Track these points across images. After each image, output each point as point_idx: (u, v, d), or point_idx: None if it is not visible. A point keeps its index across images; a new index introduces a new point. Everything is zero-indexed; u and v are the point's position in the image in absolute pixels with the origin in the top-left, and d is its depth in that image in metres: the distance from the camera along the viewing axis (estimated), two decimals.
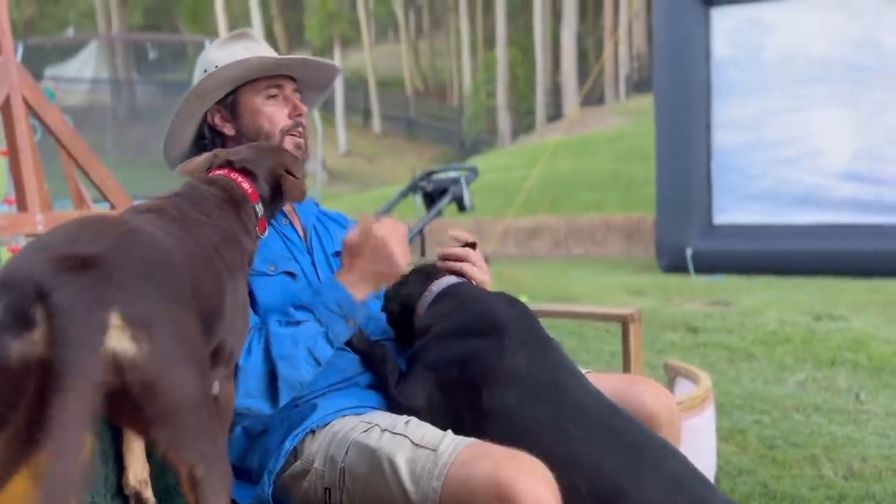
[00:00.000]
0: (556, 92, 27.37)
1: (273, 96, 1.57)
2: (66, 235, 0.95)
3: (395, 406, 1.41)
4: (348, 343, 1.48)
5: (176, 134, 1.58)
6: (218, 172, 1.37)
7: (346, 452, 1.29)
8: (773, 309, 5.44)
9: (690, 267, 7.59)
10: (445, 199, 5.25)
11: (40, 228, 2.44)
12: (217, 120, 1.57)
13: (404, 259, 1.43)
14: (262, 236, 1.40)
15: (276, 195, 1.41)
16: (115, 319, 0.87)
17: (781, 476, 2.54)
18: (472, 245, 1.65)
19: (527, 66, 29.10)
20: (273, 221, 1.48)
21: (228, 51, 1.57)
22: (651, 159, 8.46)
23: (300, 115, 1.59)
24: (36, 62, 12.24)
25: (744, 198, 7.80)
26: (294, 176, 1.42)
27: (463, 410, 1.34)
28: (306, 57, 1.62)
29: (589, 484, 1.19)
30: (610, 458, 1.22)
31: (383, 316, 1.62)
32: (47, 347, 0.83)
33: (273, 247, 1.51)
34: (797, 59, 7.59)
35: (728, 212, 7.84)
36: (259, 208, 1.38)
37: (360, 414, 1.39)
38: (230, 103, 1.57)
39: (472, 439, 1.21)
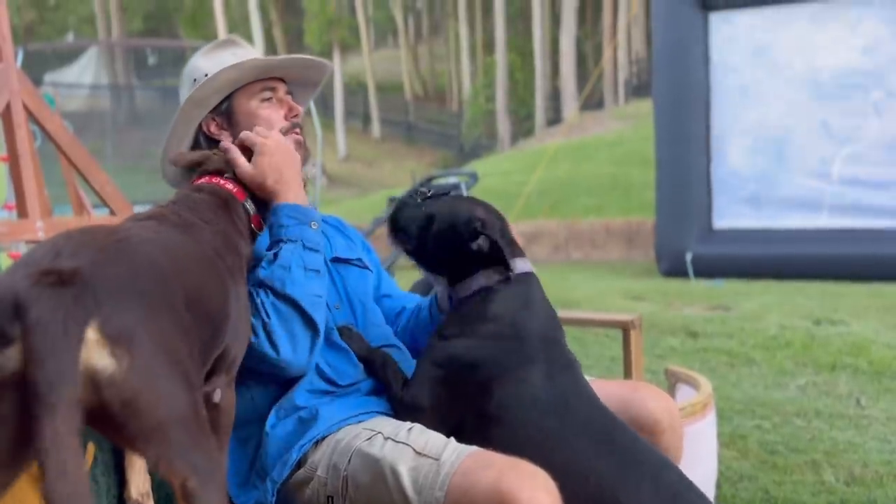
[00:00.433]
0: (555, 96, 27.39)
1: (267, 99, 1.58)
2: (50, 250, 0.94)
3: (398, 407, 1.41)
4: (350, 346, 1.48)
5: (173, 144, 1.57)
6: (201, 181, 1.39)
7: (350, 461, 1.28)
8: (773, 313, 5.44)
9: (690, 271, 7.59)
10: None
11: (40, 235, 2.44)
12: (213, 128, 1.57)
13: (294, 166, 1.45)
14: (260, 234, 1.41)
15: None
16: (92, 334, 0.85)
17: (783, 482, 2.54)
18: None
19: (526, 70, 29.12)
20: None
21: (216, 59, 1.57)
22: (650, 163, 8.46)
23: (296, 115, 1.60)
24: (36, 68, 12.25)
25: (743, 202, 7.80)
26: None
27: (468, 413, 1.34)
28: (301, 56, 1.63)
29: (587, 494, 1.20)
30: (609, 470, 1.22)
31: (383, 324, 1.62)
32: (22, 364, 0.82)
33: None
34: (795, 63, 7.60)
35: (728, 216, 7.84)
36: (249, 206, 1.39)
37: (363, 421, 1.38)
38: (225, 110, 1.57)
39: (475, 448, 1.21)
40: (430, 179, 5.66)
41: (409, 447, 1.24)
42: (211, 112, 1.57)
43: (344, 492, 1.28)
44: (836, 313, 5.33)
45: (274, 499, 1.36)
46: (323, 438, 1.37)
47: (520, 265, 1.45)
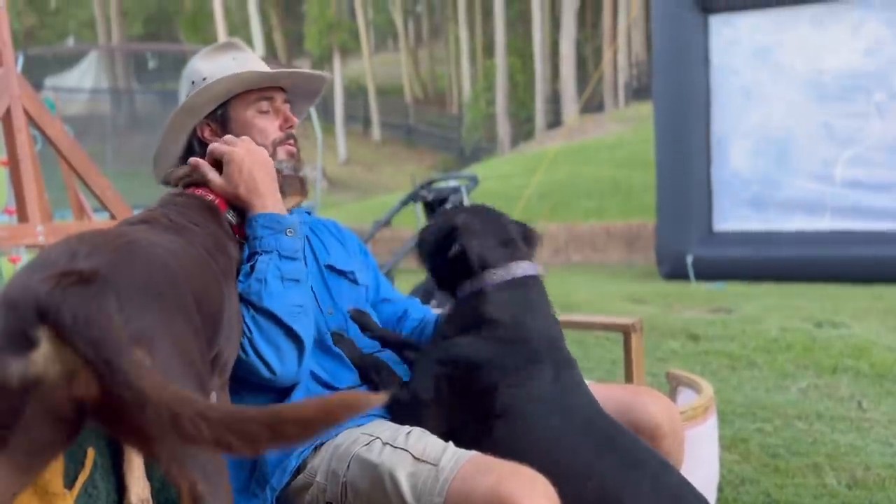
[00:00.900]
0: (555, 99, 27.41)
1: (264, 111, 1.55)
2: (66, 251, 0.94)
3: (397, 407, 1.40)
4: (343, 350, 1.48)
5: (166, 149, 1.56)
6: (187, 190, 1.40)
7: (348, 467, 1.28)
8: (774, 316, 5.43)
9: (691, 274, 7.58)
10: (446, 208, 5.25)
11: (41, 239, 2.44)
12: (206, 134, 1.55)
13: (267, 172, 1.42)
14: (246, 243, 1.40)
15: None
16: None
17: (784, 485, 2.53)
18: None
19: (526, 73, 29.15)
20: None
21: (216, 62, 1.55)
22: (651, 166, 8.46)
23: (291, 126, 1.58)
24: (36, 72, 12.26)
25: (744, 204, 7.80)
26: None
27: (471, 412, 1.33)
28: (299, 70, 1.62)
29: (589, 494, 1.20)
30: (610, 471, 1.23)
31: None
32: (46, 367, 0.82)
33: None
34: (797, 65, 7.60)
35: (728, 219, 7.83)
36: (231, 216, 1.39)
37: (361, 424, 1.38)
38: (220, 117, 1.54)
39: (474, 453, 1.21)
40: (430, 183, 5.66)
41: (408, 453, 1.23)
42: (206, 117, 1.55)
43: (343, 498, 1.27)
44: (838, 316, 5.33)
45: None
46: (322, 443, 1.36)
47: (519, 268, 1.44)
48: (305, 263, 1.51)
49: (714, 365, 4.23)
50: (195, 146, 1.56)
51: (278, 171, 1.48)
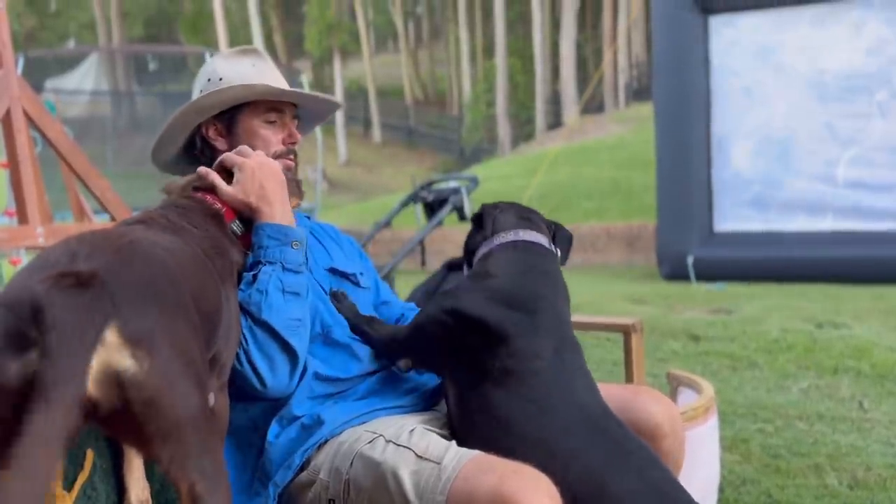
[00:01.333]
0: (555, 100, 27.42)
1: (271, 121, 1.58)
2: (65, 252, 0.95)
3: (394, 344, 1.45)
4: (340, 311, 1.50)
5: (167, 138, 1.58)
6: (194, 194, 1.40)
7: (351, 464, 1.28)
8: (774, 317, 5.43)
9: (692, 275, 7.58)
10: (446, 209, 5.26)
11: (41, 241, 2.44)
12: (211, 133, 1.57)
13: (277, 183, 1.44)
14: (250, 253, 1.41)
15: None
16: (112, 337, 0.86)
17: (785, 485, 2.53)
18: None
19: (526, 74, 29.17)
20: None
21: (236, 65, 1.58)
22: (651, 167, 8.46)
23: (294, 143, 1.61)
24: (36, 74, 12.27)
25: (745, 205, 7.79)
26: None
27: (469, 366, 1.34)
28: (312, 93, 1.65)
29: (574, 476, 1.20)
30: (598, 457, 1.23)
31: (369, 302, 1.65)
32: (38, 366, 0.82)
33: None
34: (797, 65, 7.60)
35: (729, 219, 7.83)
36: (237, 226, 1.40)
37: (365, 422, 1.39)
38: (227, 119, 1.56)
39: (477, 452, 1.21)
40: (430, 184, 5.66)
41: (411, 451, 1.24)
42: (214, 117, 1.57)
43: (346, 495, 1.28)
44: (839, 316, 5.33)
45: (275, 502, 1.36)
46: (326, 441, 1.37)
47: (528, 235, 1.52)
48: (310, 271, 1.52)
49: (715, 365, 4.22)
50: (197, 142, 1.58)
51: None
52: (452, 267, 4.57)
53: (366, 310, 1.59)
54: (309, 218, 1.73)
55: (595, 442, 1.24)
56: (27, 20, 31.24)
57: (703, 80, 7.79)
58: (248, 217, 1.42)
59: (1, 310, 0.86)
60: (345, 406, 1.42)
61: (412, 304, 1.80)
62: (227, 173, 1.44)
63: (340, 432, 1.37)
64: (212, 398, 1.12)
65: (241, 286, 1.37)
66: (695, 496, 1.26)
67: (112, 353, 0.86)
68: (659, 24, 8.17)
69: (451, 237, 11.28)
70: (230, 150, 1.53)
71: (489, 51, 30.29)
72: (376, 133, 30.93)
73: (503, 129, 27.85)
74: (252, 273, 1.37)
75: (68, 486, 1.14)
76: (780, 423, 3.19)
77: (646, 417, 1.43)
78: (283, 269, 1.38)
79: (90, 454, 1.19)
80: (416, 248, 5.37)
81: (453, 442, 1.25)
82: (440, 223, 5.34)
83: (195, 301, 1.05)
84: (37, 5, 31.81)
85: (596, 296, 6.81)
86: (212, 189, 1.41)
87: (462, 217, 5.30)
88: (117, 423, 0.88)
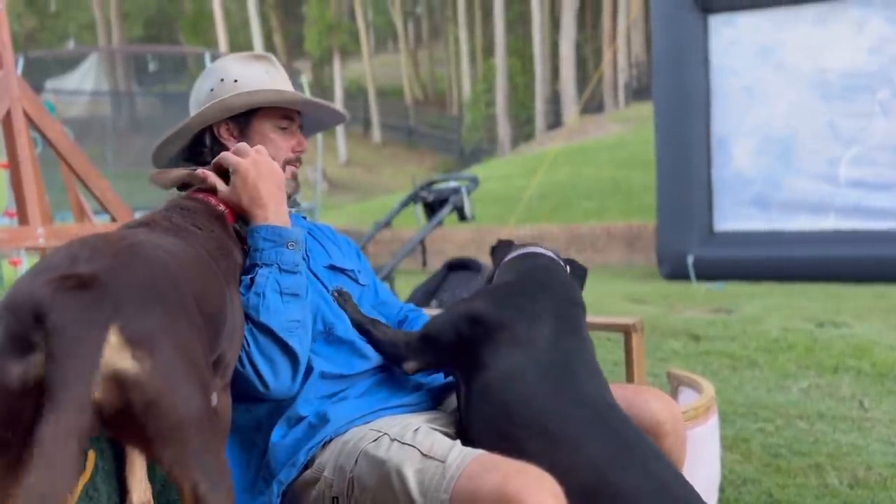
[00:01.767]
0: (555, 100, 27.43)
1: (283, 127, 1.60)
2: (67, 255, 0.95)
3: (405, 348, 1.45)
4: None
5: (182, 133, 1.58)
6: (197, 195, 1.40)
7: (356, 463, 1.29)
8: (775, 316, 5.43)
9: (692, 274, 7.58)
10: (446, 209, 5.26)
11: (41, 241, 2.44)
12: (223, 132, 1.58)
13: (273, 183, 1.44)
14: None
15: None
16: (113, 338, 0.86)
17: (786, 485, 2.53)
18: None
19: (526, 74, 29.18)
20: None
21: (250, 69, 1.60)
22: (651, 167, 8.46)
23: (302, 151, 1.63)
24: (36, 75, 12.26)
25: (744, 204, 7.80)
26: None
27: (473, 360, 1.35)
28: (329, 104, 1.67)
29: (576, 468, 1.20)
30: (600, 448, 1.23)
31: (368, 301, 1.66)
32: (45, 369, 0.83)
33: None
34: (798, 65, 7.60)
35: (729, 219, 7.83)
36: (241, 227, 1.40)
37: (370, 421, 1.39)
38: (242, 121, 1.58)
39: (481, 451, 1.21)
40: (430, 184, 5.65)
41: (416, 449, 1.24)
42: (229, 118, 1.57)
43: (349, 493, 1.28)
44: (839, 315, 5.33)
45: (279, 500, 1.36)
46: (331, 440, 1.37)
47: (526, 249, 1.58)
48: (311, 269, 1.52)
49: (715, 365, 4.22)
50: (206, 141, 1.58)
51: None
52: (453, 267, 4.57)
53: (365, 307, 1.60)
54: (305, 218, 1.73)
55: (598, 433, 1.24)
56: (27, 21, 31.25)
57: (703, 80, 7.79)
58: (244, 218, 1.43)
59: (4, 313, 0.87)
60: (350, 405, 1.43)
61: (411, 305, 1.80)
62: (225, 173, 1.44)
63: (345, 431, 1.37)
64: (214, 398, 1.12)
65: (241, 289, 1.37)
66: None
67: (113, 354, 0.86)
68: (658, 24, 8.17)
69: (452, 237, 11.29)
70: None
71: (489, 51, 30.30)
72: (376, 133, 30.94)
73: (503, 129, 27.85)
74: (249, 276, 1.38)
75: None
76: (781, 423, 3.19)
77: (648, 416, 1.43)
78: (280, 270, 1.38)
79: (92, 455, 1.19)
80: (417, 248, 5.37)
81: (458, 441, 1.25)
82: (440, 223, 5.33)
83: (198, 302, 1.06)
84: (37, 6, 31.82)
85: (596, 296, 6.80)
86: (213, 191, 1.42)
87: (462, 217, 5.30)
88: (119, 424, 0.88)
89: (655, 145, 8.19)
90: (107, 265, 0.93)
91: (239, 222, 1.42)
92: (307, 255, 1.56)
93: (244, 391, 1.35)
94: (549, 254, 1.57)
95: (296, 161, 1.61)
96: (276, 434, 1.40)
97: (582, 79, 26.00)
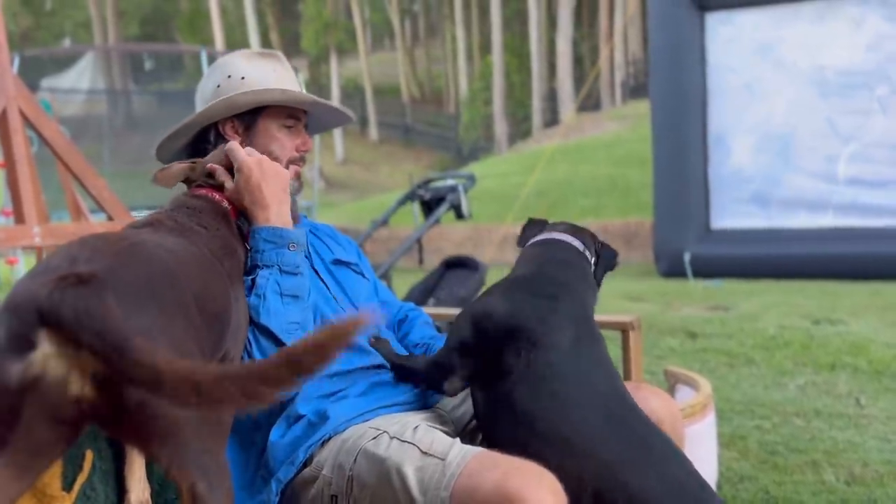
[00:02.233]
0: (552, 98, 27.43)
1: (289, 126, 1.60)
2: (66, 256, 0.96)
3: (433, 367, 1.42)
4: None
5: (187, 129, 1.58)
6: (200, 192, 1.40)
7: (355, 460, 1.28)
8: (772, 313, 5.44)
9: (689, 272, 7.59)
10: (443, 207, 5.25)
11: (37, 240, 2.44)
12: (228, 129, 1.57)
13: (276, 184, 1.43)
14: None
15: None
16: None
17: (783, 482, 2.54)
18: None
19: (523, 72, 29.17)
20: None
21: (258, 67, 1.60)
22: (648, 164, 8.47)
23: (307, 150, 1.63)
24: (32, 74, 12.24)
25: (741, 202, 7.81)
26: None
27: (493, 364, 1.34)
28: (338, 106, 1.68)
29: (592, 470, 1.20)
30: (617, 451, 1.23)
31: (383, 328, 1.62)
32: (44, 368, 0.83)
33: None
34: (796, 62, 7.61)
35: (726, 216, 7.85)
36: (243, 224, 1.40)
37: (369, 420, 1.39)
38: (247, 119, 1.58)
39: (481, 448, 1.21)
40: (427, 182, 5.65)
41: (415, 447, 1.24)
42: (235, 115, 1.57)
43: (349, 491, 1.28)
44: (835, 313, 5.34)
45: (278, 498, 1.36)
46: (329, 438, 1.37)
47: (547, 234, 1.58)
48: (311, 262, 1.51)
49: (712, 362, 4.23)
50: (210, 137, 1.58)
51: None
52: (450, 265, 4.57)
53: (367, 301, 1.59)
54: (306, 217, 1.73)
55: (614, 435, 1.24)
56: (23, 19, 31.17)
57: (700, 77, 7.80)
58: (246, 217, 1.43)
59: (4, 313, 0.87)
60: (349, 403, 1.43)
61: (411, 304, 1.80)
62: (230, 168, 1.45)
63: (344, 429, 1.37)
64: None
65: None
66: None
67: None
68: (655, 22, 8.17)
69: (449, 235, 11.28)
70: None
71: (486, 48, 30.30)
72: (373, 131, 30.93)
73: (500, 127, 27.85)
74: (250, 277, 1.38)
75: (67, 487, 1.13)
76: (778, 420, 3.19)
77: (648, 413, 1.44)
78: (281, 272, 1.38)
79: (89, 455, 1.19)
80: (414, 246, 5.37)
81: (457, 439, 1.26)
82: (438, 221, 5.33)
83: (200, 302, 1.06)
84: (32, 4, 31.74)
85: None
86: (221, 186, 1.42)
87: (459, 215, 5.29)
88: (116, 423, 0.88)
89: (652, 143, 8.20)
90: (106, 265, 0.94)
91: (241, 219, 1.42)
92: (309, 254, 1.56)
93: None
94: (572, 241, 1.55)
95: (300, 160, 1.61)
96: (275, 432, 1.39)
97: (579, 76, 26.00)
